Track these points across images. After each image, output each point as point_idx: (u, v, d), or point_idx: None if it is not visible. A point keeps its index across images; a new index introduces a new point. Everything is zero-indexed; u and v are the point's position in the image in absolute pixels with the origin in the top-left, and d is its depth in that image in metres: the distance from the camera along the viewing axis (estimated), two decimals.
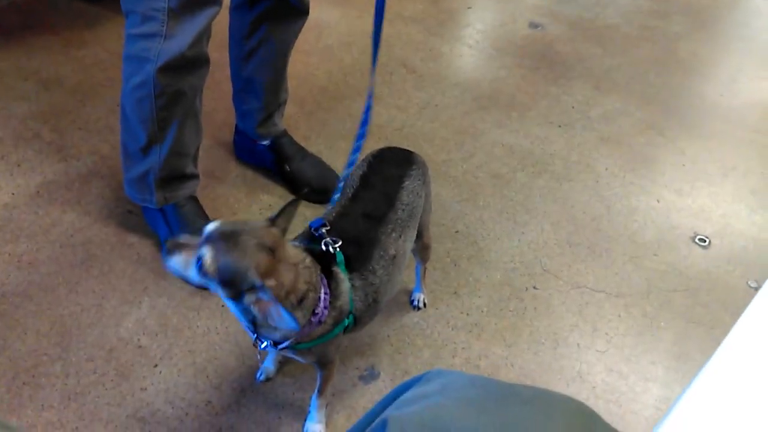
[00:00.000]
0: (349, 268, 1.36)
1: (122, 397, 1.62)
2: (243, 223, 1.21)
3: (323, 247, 1.34)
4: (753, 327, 0.66)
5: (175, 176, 1.88)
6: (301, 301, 1.23)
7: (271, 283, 1.15)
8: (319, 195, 2.18)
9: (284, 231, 1.26)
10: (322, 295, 1.27)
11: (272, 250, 1.18)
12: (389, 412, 0.70)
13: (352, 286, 1.35)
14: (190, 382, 1.66)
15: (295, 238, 1.42)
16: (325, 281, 1.29)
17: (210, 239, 1.16)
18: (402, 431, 0.66)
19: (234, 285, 1.17)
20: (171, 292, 1.85)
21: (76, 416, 1.57)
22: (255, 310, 1.18)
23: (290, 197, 2.17)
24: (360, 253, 1.38)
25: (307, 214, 2.13)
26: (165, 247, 1.20)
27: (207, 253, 1.15)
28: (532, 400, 0.70)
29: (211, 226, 1.19)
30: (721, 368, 0.59)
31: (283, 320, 1.14)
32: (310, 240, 1.37)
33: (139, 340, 1.74)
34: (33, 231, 1.98)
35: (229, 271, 1.15)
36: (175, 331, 1.77)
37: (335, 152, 2.38)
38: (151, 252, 1.96)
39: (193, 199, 1.96)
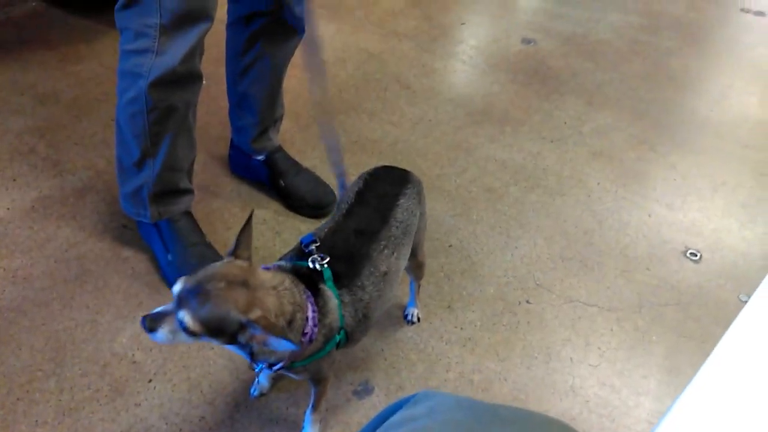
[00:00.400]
0: (338, 284, 1.36)
1: (116, 412, 1.62)
2: (205, 270, 1.19)
3: (310, 264, 1.35)
4: (741, 339, 0.68)
5: (169, 191, 1.89)
6: (290, 322, 1.23)
7: (256, 315, 1.14)
8: (314, 209, 2.19)
9: (249, 258, 1.24)
10: (310, 314, 1.27)
11: (244, 283, 1.17)
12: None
13: (342, 302, 1.36)
14: (185, 397, 1.67)
15: (285, 256, 1.43)
16: (312, 299, 1.29)
17: (182, 301, 1.16)
18: None
19: (224, 332, 1.16)
20: None
21: None
22: (254, 344, 1.19)
23: (285, 212, 2.20)
24: (349, 269, 1.39)
25: (302, 228, 2.14)
26: (145, 324, 1.18)
27: (185, 316, 1.14)
28: (517, 422, 0.71)
29: (177, 287, 1.18)
30: (710, 380, 0.60)
31: (281, 345, 1.15)
32: (300, 256, 1.38)
33: (133, 355, 1.74)
34: (28, 246, 1.99)
35: (213, 322, 1.15)
36: (169, 346, 1.77)
37: (330, 167, 2.39)
38: (145, 267, 1.97)
39: (188, 214, 1.97)
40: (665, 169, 2.62)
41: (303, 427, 1.61)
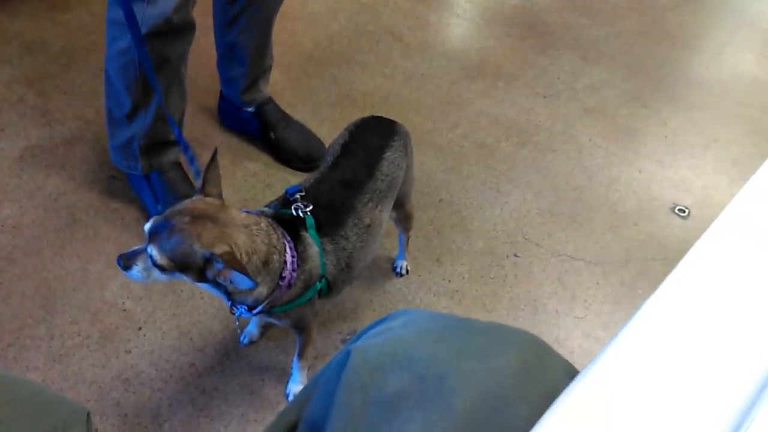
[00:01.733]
0: (321, 232, 1.37)
1: (107, 359, 1.64)
2: (173, 207, 1.21)
3: (293, 212, 1.36)
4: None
5: (159, 142, 1.88)
6: (266, 263, 1.24)
7: (221, 249, 1.15)
8: (304, 162, 2.19)
9: (219, 196, 1.26)
10: (289, 258, 1.29)
11: (212, 219, 1.18)
12: (353, 344, 0.73)
13: (324, 250, 1.37)
14: (174, 344, 1.69)
15: (270, 204, 1.43)
16: (291, 244, 1.30)
17: (152, 236, 1.18)
18: (364, 359, 0.69)
19: (191, 266, 1.18)
20: None
21: (61, 377, 1.60)
22: (221, 280, 1.20)
23: (275, 164, 2.20)
24: (333, 218, 1.40)
25: (293, 181, 2.14)
26: (120, 263, 1.23)
27: (153, 250, 1.17)
28: (488, 331, 0.73)
29: (148, 224, 1.20)
30: (650, 318, 0.62)
31: (243, 281, 1.16)
32: (285, 206, 1.39)
33: (123, 303, 1.76)
34: (17, 195, 1.99)
35: (178, 255, 1.17)
36: (159, 295, 1.79)
37: (320, 120, 2.38)
38: (135, 217, 1.97)
39: (178, 165, 1.97)
40: (657, 125, 2.61)
41: (291, 374, 1.64)
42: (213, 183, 1.26)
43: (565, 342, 1.83)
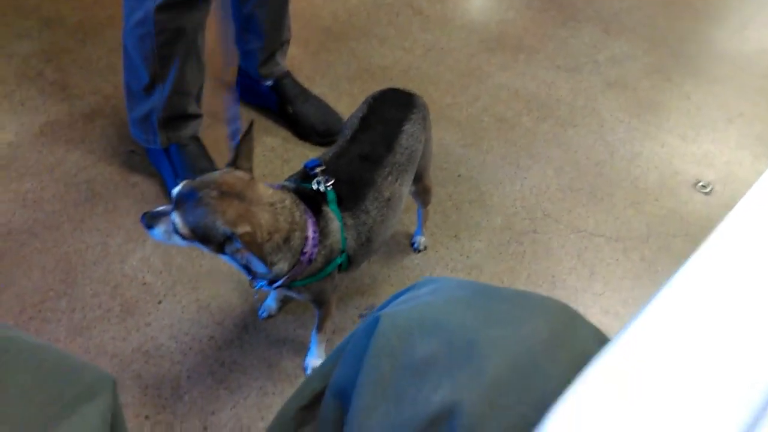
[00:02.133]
0: (342, 207, 1.36)
1: (127, 331, 1.66)
2: (203, 177, 1.20)
3: (314, 186, 1.35)
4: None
5: (178, 116, 1.88)
6: (286, 240, 1.24)
7: (243, 229, 1.15)
8: (323, 137, 2.18)
9: (250, 170, 1.25)
10: (311, 234, 1.28)
11: (239, 195, 1.18)
12: (381, 311, 0.73)
13: (344, 224, 1.36)
14: (194, 318, 1.70)
15: (290, 178, 1.43)
16: (313, 220, 1.30)
17: (178, 203, 1.18)
18: (393, 325, 0.69)
19: (211, 240, 1.18)
20: None
21: (83, 350, 1.62)
22: (239, 258, 1.20)
23: (293, 139, 2.19)
24: (353, 192, 1.39)
25: (311, 156, 2.13)
26: (144, 221, 1.23)
27: (177, 218, 1.17)
28: (517, 298, 0.73)
29: (176, 189, 1.20)
30: (684, 287, 0.61)
31: (258, 265, 1.16)
32: (304, 180, 1.38)
33: (143, 277, 1.77)
34: (37, 170, 2.00)
35: (200, 228, 1.16)
36: (178, 269, 1.80)
37: (339, 94, 2.36)
38: (154, 191, 1.98)
39: (196, 139, 1.97)
40: (680, 99, 2.56)
41: (309, 347, 1.64)
42: (245, 156, 1.25)
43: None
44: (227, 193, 1.17)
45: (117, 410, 0.72)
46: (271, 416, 1.55)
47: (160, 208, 1.23)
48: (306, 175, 1.39)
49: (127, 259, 1.80)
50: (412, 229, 1.95)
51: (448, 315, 0.69)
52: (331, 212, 1.34)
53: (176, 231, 1.18)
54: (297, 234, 1.26)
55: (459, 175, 2.15)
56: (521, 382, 0.62)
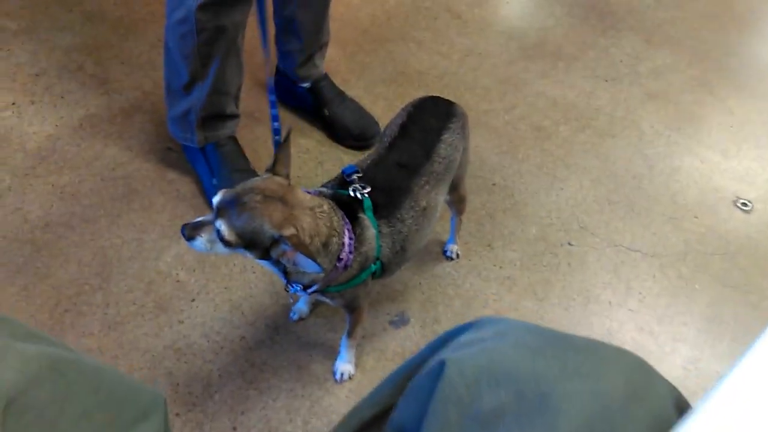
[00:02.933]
0: (378, 214, 1.36)
1: (160, 328, 1.67)
2: (244, 183, 1.21)
3: (351, 193, 1.34)
4: None
5: (216, 115, 1.89)
6: (326, 245, 1.24)
7: (289, 231, 1.15)
8: (357, 141, 2.17)
9: (287, 176, 1.25)
10: (347, 240, 1.28)
11: (282, 199, 1.18)
12: (446, 354, 0.71)
13: (380, 232, 1.36)
14: (226, 317, 1.71)
15: (327, 183, 1.42)
16: (349, 226, 1.29)
17: (220, 211, 1.18)
18: (460, 373, 0.67)
19: (257, 245, 1.18)
20: None
21: (116, 344, 1.63)
22: (285, 261, 1.19)
23: (327, 142, 2.18)
24: (390, 201, 1.38)
25: (345, 159, 2.13)
26: (184, 233, 1.22)
27: (222, 225, 1.17)
28: (591, 349, 0.70)
29: (217, 198, 1.20)
30: None
31: (309, 265, 1.15)
32: (341, 186, 1.38)
33: (177, 274, 1.78)
34: (76, 163, 2.02)
35: (247, 233, 1.16)
36: (212, 267, 1.80)
37: (374, 97, 2.36)
38: (190, 190, 1.99)
39: (233, 139, 1.97)
40: (722, 114, 2.51)
41: (339, 352, 1.64)
42: (283, 163, 1.25)
43: (617, 334, 1.79)
44: (270, 198, 1.17)
45: (166, 426, 0.72)
46: (299, 419, 1.55)
47: (199, 219, 1.22)
48: (343, 181, 1.39)
49: (161, 256, 1.82)
50: (445, 237, 1.93)
51: (517, 363, 0.66)
52: (367, 219, 1.34)
53: (221, 239, 1.18)
54: (335, 240, 1.26)
55: (494, 184, 2.13)
56: None
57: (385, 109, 2.28)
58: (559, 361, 0.66)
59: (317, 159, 2.13)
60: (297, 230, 1.17)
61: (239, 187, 1.20)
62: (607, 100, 2.48)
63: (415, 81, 2.45)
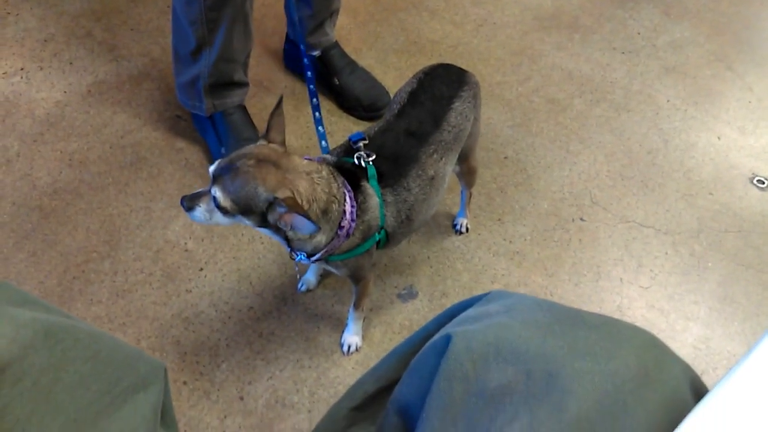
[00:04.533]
0: (382, 183, 1.34)
1: (168, 297, 1.67)
2: (238, 151, 1.20)
3: (355, 161, 1.32)
4: None
5: (223, 82, 1.86)
6: (325, 212, 1.22)
7: (284, 193, 1.15)
8: (368, 111, 2.14)
9: (283, 143, 1.25)
10: (348, 208, 1.26)
11: (275, 164, 1.17)
12: (452, 328, 0.69)
13: (384, 201, 1.34)
14: (234, 287, 1.70)
15: (334, 150, 1.40)
16: (351, 194, 1.28)
17: (216, 179, 1.17)
18: (468, 348, 0.65)
19: (253, 209, 1.17)
20: None
21: (124, 312, 1.63)
22: (282, 225, 1.18)
23: (338, 111, 2.16)
24: (396, 169, 1.36)
25: (355, 129, 2.10)
26: (184, 204, 1.23)
27: (217, 192, 1.16)
28: (602, 327, 0.67)
29: (213, 167, 1.19)
30: None
31: (305, 226, 1.14)
32: (347, 153, 1.36)
33: (185, 243, 1.77)
34: (84, 130, 2.01)
35: (242, 198, 1.16)
36: (220, 237, 1.79)
37: (386, 67, 2.32)
38: (199, 158, 1.97)
39: (242, 108, 1.95)
40: (741, 90, 2.46)
41: (346, 324, 1.63)
42: (277, 130, 1.24)
43: (628, 311, 1.78)
44: (264, 161, 1.16)
45: (166, 397, 0.71)
46: (306, 390, 1.55)
47: (198, 190, 1.23)
48: (349, 148, 1.37)
49: (169, 225, 1.81)
50: (455, 210, 1.91)
51: (526, 341, 0.64)
52: (371, 188, 1.32)
53: (218, 206, 1.18)
54: (335, 206, 1.24)
55: (506, 157, 2.10)
56: (607, 422, 0.57)
57: (396, 79, 2.25)
58: (570, 339, 0.64)
59: (327, 129, 2.10)
60: (293, 193, 1.15)
61: (233, 154, 1.19)
62: (624, 74, 2.43)
63: (428, 51, 2.41)
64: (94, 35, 2.30)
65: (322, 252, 1.30)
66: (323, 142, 1.47)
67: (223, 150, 1.89)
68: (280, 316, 1.67)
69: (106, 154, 1.95)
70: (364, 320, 1.65)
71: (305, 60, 1.58)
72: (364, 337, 1.65)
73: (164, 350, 1.58)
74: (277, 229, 1.23)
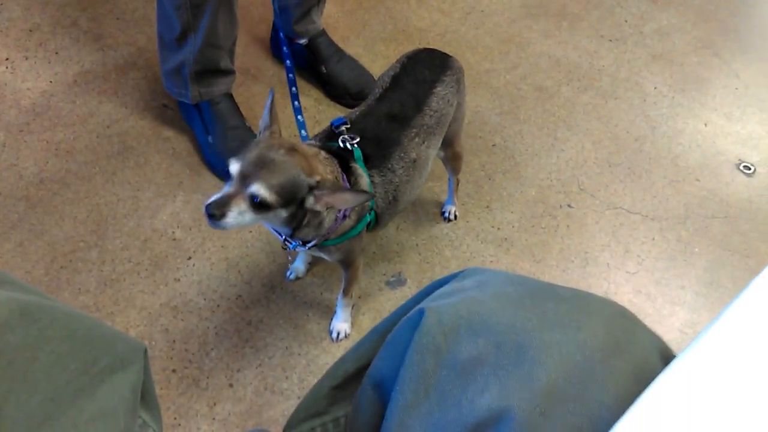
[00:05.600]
0: (369, 164, 1.35)
1: (156, 286, 1.67)
2: (258, 145, 1.16)
3: (341, 144, 1.33)
4: None
5: (209, 70, 1.85)
6: None
7: (318, 177, 1.17)
8: (355, 99, 2.14)
9: (280, 133, 1.25)
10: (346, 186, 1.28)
11: (299, 151, 1.18)
12: (426, 303, 0.70)
13: (372, 182, 1.35)
14: (222, 276, 1.70)
15: (315, 136, 1.40)
16: (344, 176, 1.29)
17: (248, 177, 1.11)
18: (439, 321, 0.66)
19: (295, 198, 1.15)
20: (205, 188, 1.87)
21: (112, 301, 1.63)
22: (320, 207, 1.18)
23: (325, 100, 2.15)
24: (379, 151, 1.37)
25: None
26: (212, 214, 1.11)
27: (260, 189, 1.10)
28: (571, 299, 0.68)
29: (234, 167, 1.13)
30: (759, 299, 0.55)
31: (354, 197, 1.18)
32: (329, 138, 1.36)
33: (173, 232, 1.77)
34: (70, 120, 1.99)
35: (287, 188, 1.13)
36: (208, 226, 1.79)
37: (374, 55, 2.31)
38: (186, 148, 1.97)
39: (229, 96, 1.94)
40: (728, 76, 2.47)
41: (335, 311, 1.64)
42: (277, 120, 1.23)
43: (615, 297, 1.79)
44: (290, 151, 1.15)
45: (147, 378, 0.71)
46: (295, 376, 1.55)
47: (219, 194, 1.13)
48: (331, 133, 1.37)
49: (157, 214, 1.80)
50: (443, 197, 1.92)
51: (496, 314, 0.65)
52: (360, 168, 1.33)
53: (261, 203, 1.11)
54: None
55: (494, 145, 2.11)
56: (576, 391, 0.58)
57: (384, 67, 2.22)
58: (540, 311, 0.65)
59: (314, 118, 2.11)
60: (321, 175, 1.17)
61: (256, 149, 1.15)
62: (611, 61, 2.44)
63: (416, 39, 2.40)
64: (80, 24, 2.28)
65: (320, 237, 1.31)
66: (303, 131, 1.47)
67: (209, 139, 1.88)
68: (268, 304, 1.67)
69: (93, 143, 1.94)
70: (353, 307, 1.65)
71: (284, 48, 1.58)
72: (353, 324, 1.65)
73: (153, 339, 1.58)
74: (293, 217, 1.20)
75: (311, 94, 2.18)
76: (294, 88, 1.52)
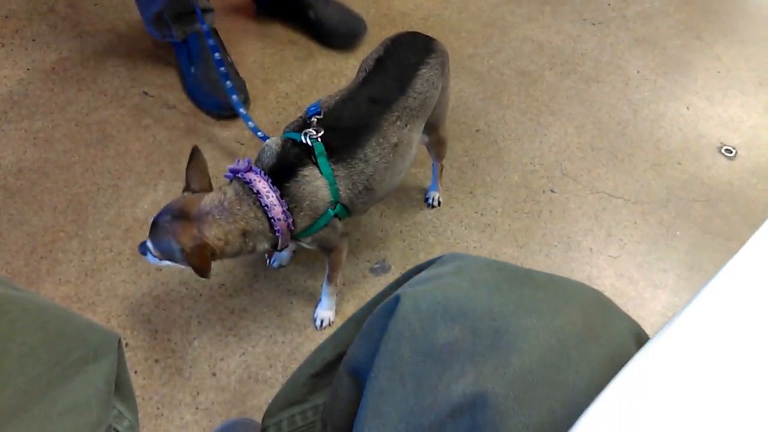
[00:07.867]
0: (333, 158, 1.34)
1: (138, 275, 1.65)
2: (166, 205, 1.30)
3: (303, 139, 1.32)
4: None
5: (188, 11, 1.90)
6: (244, 233, 1.29)
7: (190, 243, 1.24)
8: (345, 39, 2.14)
9: (209, 184, 1.35)
10: (278, 209, 1.29)
11: (186, 216, 1.26)
12: (402, 290, 0.70)
13: (336, 176, 1.34)
14: None
15: (291, 124, 1.39)
16: (277, 194, 1.29)
17: (150, 232, 1.30)
18: (416, 307, 0.65)
19: (174, 257, 1.29)
20: None
21: (93, 291, 1.62)
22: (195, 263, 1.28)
23: (307, 86, 2.13)
24: (352, 140, 1.36)
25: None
26: (141, 250, 1.36)
27: (149, 244, 1.31)
28: (548, 285, 0.68)
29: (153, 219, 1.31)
30: (732, 282, 0.56)
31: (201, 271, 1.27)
32: (304, 126, 1.36)
33: None
34: (49, 108, 1.97)
35: (164, 250, 1.29)
36: None
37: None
38: (166, 135, 1.95)
39: (213, 31, 1.99)
40: (709, 59, 2.48)
41: (320, 299, 1.63)
42: (197, 179, 1.34)
43: (597, 281, 1.80)
44: (176, 216, 1.27)
45: (122, 369, 0.71)
46: (279, 365, 1.55)
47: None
48: (306, 122, 1.36)
49: (138, 203, 1.79)
50: (427, 183, 1.91)
51: (473, 300, 0.65)
52: (312, 171, 1.32)
53: (153, 255, 1.32)
54: (254, 222, 1.29)
55: (477, 130, 2.10)
56: (551, 376, 0.58)
57: (366, 52, 2.21)
58: (516, 296, 0.65)
59: (297, 103, 2.09)
60: (203, 239, 1.25)
61: (162, 209, 1.30)
62: (594, 45, 2.44)
63: (398, 23, 2.39)
64: (57, 11, 2.24)
65: (279, 243, 1.34)
66: (259, 133, 1.61)
67: (192, 69, 1.94)
68: (252, 293, 1.66)
69: (72, 132, 1.92)
70: (337, 295, 1.65)
71: (198, 12, 1.67)
72: (337, 312, 1.65)
73: (135, 329, 1.57)
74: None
75: (293, 79, 2.16)
76: (217, 54, 1.67)
